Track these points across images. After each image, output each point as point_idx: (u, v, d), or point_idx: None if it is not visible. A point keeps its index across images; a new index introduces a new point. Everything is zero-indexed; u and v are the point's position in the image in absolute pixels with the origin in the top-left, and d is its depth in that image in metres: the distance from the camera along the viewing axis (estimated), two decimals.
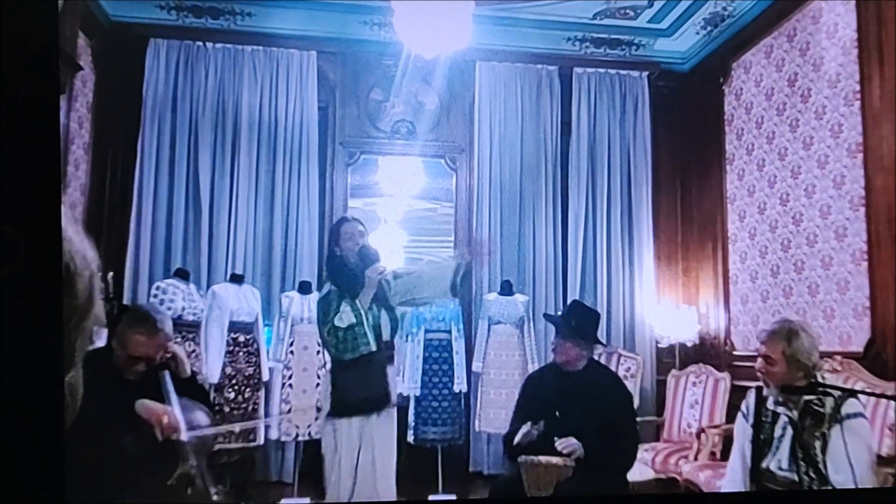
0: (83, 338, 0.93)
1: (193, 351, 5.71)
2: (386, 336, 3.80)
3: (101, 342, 3.18)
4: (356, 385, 3.77)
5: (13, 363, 0.85)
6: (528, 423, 3.63)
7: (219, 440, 5.56)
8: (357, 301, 3.75)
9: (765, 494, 3.03)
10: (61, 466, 0.90)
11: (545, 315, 4.59)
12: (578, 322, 3.83)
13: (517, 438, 3.62)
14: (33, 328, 0.87)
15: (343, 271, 3.86)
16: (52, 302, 0.88)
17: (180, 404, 2.88)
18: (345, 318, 3.71)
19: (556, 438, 3.54)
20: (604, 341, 3.99)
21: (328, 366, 5.97)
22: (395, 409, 3.83)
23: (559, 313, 4.13)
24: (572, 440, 3.51)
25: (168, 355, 3.05)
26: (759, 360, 3.08)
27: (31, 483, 0.88)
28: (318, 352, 6.00)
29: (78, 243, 0.92)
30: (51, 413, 0.89)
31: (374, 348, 3.71)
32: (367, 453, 3.68)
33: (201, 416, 3.01)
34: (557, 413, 3.65)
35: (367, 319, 3.73)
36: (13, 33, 0.87)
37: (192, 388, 3.11)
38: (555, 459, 3.51)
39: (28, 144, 0.87)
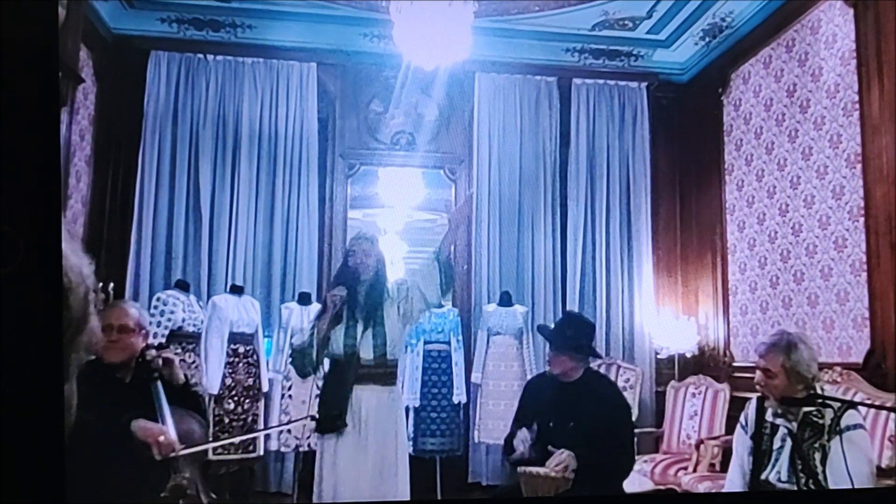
0: (77, 352, 0.93)
1: (194, 362, 5.72)
2: (367, 355, 3.75)
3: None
4: (321, 405, 3.84)
5: (13, 363, 0.85)
6: (524, 429, 3.61)
7: (218, 451, 5.57)
8: (318, 323, 3.75)
9: (762, 495, 3.02)
10: (61, 466, 0.90)
11: (539, 327, 4.55)
12: (572, 334, 3.79)
13: (514, 450, 3.63)
14: (33, 328, 0.87)
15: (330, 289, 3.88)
16: (51, 302, 0.89)
17: (173, 415, 2.87)
18: (298, 338, 3.76)
19: (549, 447, 3.52)
20: (600, 352, 3.93)
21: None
22: (358, 429, 3.68)
23: (553, 325, 4.08)
24: (564, 454, 3.49)
25: (160, 362, 3.05)
26: (759, 373, 3.07)
27: (31, 483, 0.88)
28: None
29: (74, 259, 0.92)
30: (51, 413, 0.90)
31: (313, 371, 3.75)
32: (330, 472, 3.67)
33: (195, 427, 3.00)
34: (551, 424, 3.64)
35: (318, 343, 3.70)
36: (14, 40, 0.87)
37: (185, 397, 3.11)
38: (553, 471, 3.50)
39: (28, 146, 0.88)
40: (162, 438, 2.71)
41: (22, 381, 0.87)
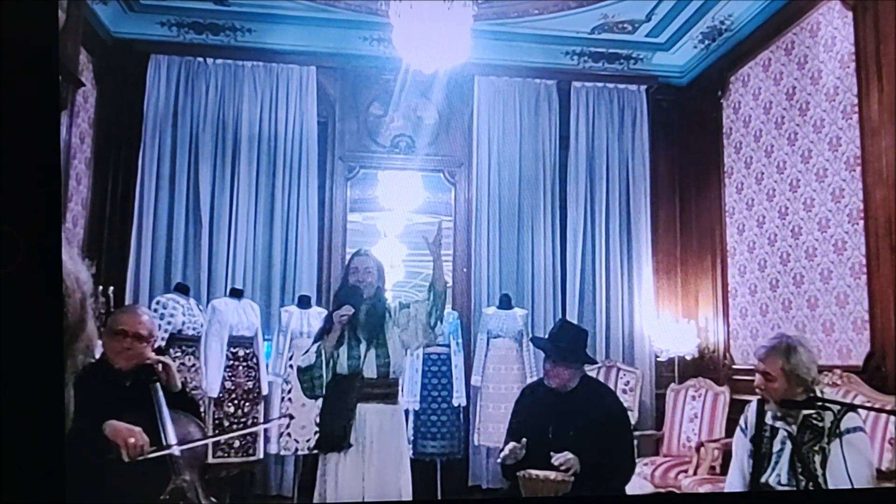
0: (73, 358, 0.93)
1: (193, 365, 5.72)
2: (371, 374, 3.74)
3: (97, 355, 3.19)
4: (322, 422, 3.84)
5: (13, 362, 0.85)
6: (512, 444, 3.61)
7: (217, 454, 5.56)
8: (324, 342, 3.73)
9: (763, 495, 3.02)
10: (61, 466, 0.90)
11: (533, 339, 4.53)
12: (567, 344, 3.78)
13: (500, 457, 3.63)
14: (33, 327, 0.87)
15: (333, 308, 3.85)
16: (51, 301, 0.89)
17: (172, 417, 2.88)
18: (306, 359, 3.74)
19: (552, 453, 3.52)
20: (596, 359, 3.92)
21: None
22: (361, 450, 3.68)
23: (547, 336, 4.08)
24: (568, 454, 3.50)
25: (159, 366, 3.05)
26: (758, 376, 3.07)
27: (31, 484, 0.88)
28: None
29: (71, 265, 0.92)
30: (51, 413, 0.89)
31: (323, 393, 3.71)
32: (332, 490, 3.66)
33: (194, 430, 3.01)
34: (550, 434, 3.64)
35: (326, 363, 3.69)
36: (14, 43, 0.88)
37: (183, 402, 3.12)
38: (552, 475, 3.50)
39: (28, 148, 0.88)
40: (131, 440, 2.70)
41: (22, 380, 0.87)
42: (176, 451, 2.82)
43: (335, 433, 3.68)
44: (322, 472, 3.74)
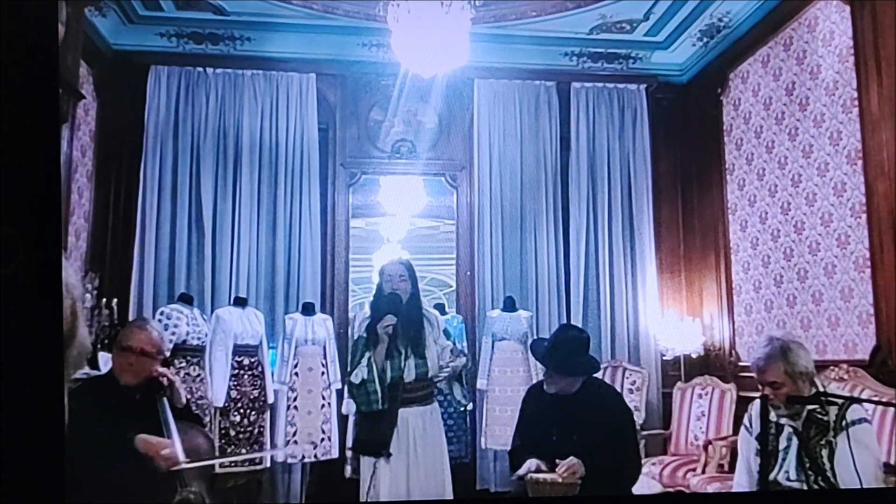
0: (67, 368, 0.92)
1: (198, 375, 5.71)
2: (410, 378, 3.81)
3: (104, 369, 3.21)
4: (363, 428, 3.91)
5: (13, 361, 0.85)
6: (534, 461, 3.58)
7: (224, 464, 5.56)
8: (373, 354, 3.78)
9: (766, 495, 3.01)
10: (62, 463, 0.89)
11: (532, 345, 4.52)
12: (565, 356, 3.68)
13: (520, 472, 3.63)
14: (33, 326, 0.87)
15: (374, 318, 3.87)
16: (50, 302, 0.89)
17: (179, 429, 2.89)
18: (359, 374, 3.77)
19: (557, 461, 3.51)
20: (598, 365, 3.89)
21: (332, 387, 6.03)
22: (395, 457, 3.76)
23: (546, 343, 4.03)
24: (572, 461, 3.48)
25: (164, 381, 3.06)
26: (766, 389, 3.04)
27: (31, 482, 0.88)
28: (323, 373, 6.03)
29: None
30: (50, 411, 0.89)
31: (382, 406, 3.74)
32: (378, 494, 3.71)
33: (202, 441, 3.02)
34: (554, 437, 3.62)
35: (380, 375, 3.75)
36: (15, 55, 0.88)
37: (188, 414, 3.13)
38: (560, 477, 3.49)
39: (29, 154, 0.88)
40: (165, 452, 2.73)
41: (22, 379, 0.87)
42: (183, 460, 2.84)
43: (377, 440, 3.74)
44: (367, 474, 3.79)
